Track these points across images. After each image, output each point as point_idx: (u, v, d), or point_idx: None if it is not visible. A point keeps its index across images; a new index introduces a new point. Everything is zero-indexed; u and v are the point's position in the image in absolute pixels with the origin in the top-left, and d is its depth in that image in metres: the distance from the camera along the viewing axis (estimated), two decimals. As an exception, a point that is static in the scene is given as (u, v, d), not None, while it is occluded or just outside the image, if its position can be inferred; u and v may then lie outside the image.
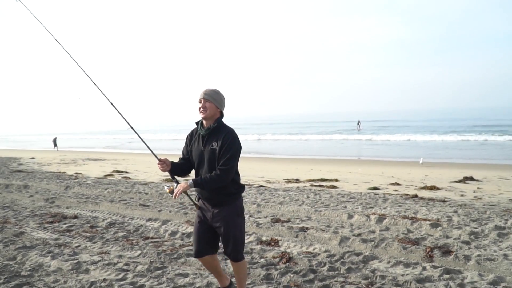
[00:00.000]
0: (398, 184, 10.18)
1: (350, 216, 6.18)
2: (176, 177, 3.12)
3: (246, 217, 6.31)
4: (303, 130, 54.89)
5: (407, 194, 8.35)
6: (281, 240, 5.06)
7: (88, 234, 5.47)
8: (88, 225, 6.02)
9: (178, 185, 2.88)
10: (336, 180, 10.99)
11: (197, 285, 3.62)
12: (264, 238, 5.13)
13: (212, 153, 2.85)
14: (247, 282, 3.67)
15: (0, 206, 7.71)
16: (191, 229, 5.49)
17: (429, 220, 5.77)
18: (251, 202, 7.44)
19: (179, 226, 5.82)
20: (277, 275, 3.85)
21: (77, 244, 5.03)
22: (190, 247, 4.65)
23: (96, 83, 3.52)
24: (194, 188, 2.89)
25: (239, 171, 3.02)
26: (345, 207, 7.04)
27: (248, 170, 13.81)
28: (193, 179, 2.86)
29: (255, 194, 8.49)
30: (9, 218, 6.59)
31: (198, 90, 3.00)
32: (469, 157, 19.06)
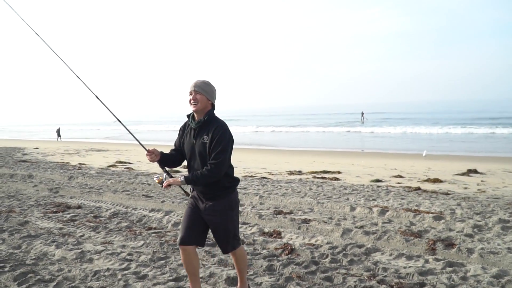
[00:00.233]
0: (401, 176, 10.15)
1: (353, 208, 6.18)
2: (166, 168, 3.07)
3: (249, 208, 6.32)
4: (304, 122, 54.67)
5: (410, 187, 8.33)
6: (283, 231, 5.07)
7: (91, 224, 5.51)
8: (92, 215, 6.05)
9: (170, 179, 2.87)
10: (339, 172, 10.96)
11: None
12: (266, 230, 5.15)
13: (203, 147, 2.79)
14: (249, 273, 3.69)
15: (5, 195, 7.77)
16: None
17: (432, 213, 5.76)
18: (253, 194, 7.43)
19: (181, 217, 5.84)
20: (279, 266, 3.87)
21: (81, 234, 5.07)
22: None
23: (80, 77, 3.44)
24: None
25: (234, 164, 2.97)
26: (348, 199, 7.04)
27: (250, 162, 13.82)
28: (185, 176, 2.80)
29: (257, 185, 8.48)
30: (14, 207, 6.64)
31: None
32: (473, 150, 18.93)
